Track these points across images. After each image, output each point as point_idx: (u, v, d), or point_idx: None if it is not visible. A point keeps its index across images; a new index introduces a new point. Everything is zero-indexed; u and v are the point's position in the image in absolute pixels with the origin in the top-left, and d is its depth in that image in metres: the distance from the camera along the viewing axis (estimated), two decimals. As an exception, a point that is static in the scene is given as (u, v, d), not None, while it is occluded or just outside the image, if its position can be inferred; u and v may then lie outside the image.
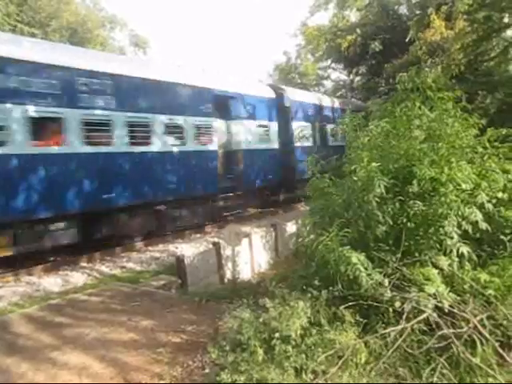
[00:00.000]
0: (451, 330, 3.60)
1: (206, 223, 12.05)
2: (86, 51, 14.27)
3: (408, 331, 3.64)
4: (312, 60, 33.76)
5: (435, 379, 3.36)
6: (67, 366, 4.04)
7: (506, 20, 14.68)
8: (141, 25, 75.35)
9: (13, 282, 7.51)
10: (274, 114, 15.13)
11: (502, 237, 4.49)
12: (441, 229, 4.12)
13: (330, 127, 17.98)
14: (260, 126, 14.32)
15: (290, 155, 15.55)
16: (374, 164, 4.39)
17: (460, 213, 4.08)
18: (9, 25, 23.00)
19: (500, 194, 4.60)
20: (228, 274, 8.32)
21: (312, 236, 4.88)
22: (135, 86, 9.96)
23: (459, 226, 4.12)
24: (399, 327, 3.67)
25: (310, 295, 3.90)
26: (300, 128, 15.78)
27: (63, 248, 8.85)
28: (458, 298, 3.86)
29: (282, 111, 15.44)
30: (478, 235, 4.38)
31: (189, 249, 9.58)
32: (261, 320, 3.66)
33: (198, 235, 11.21)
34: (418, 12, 20.32)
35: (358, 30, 23.93)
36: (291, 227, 10.84)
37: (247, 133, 13.60)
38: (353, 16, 25.80)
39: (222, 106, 12.71)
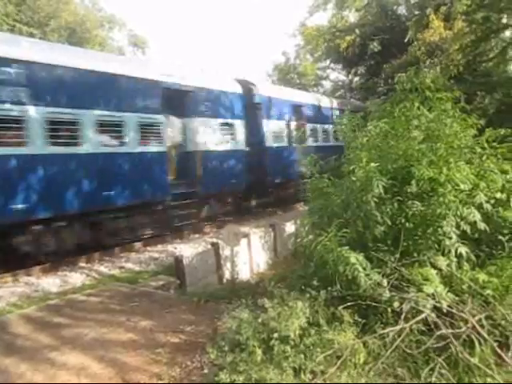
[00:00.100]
0: (450, 330, 3.61)
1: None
2: None
3: (406, 331, 3.65)
4: (311, 60, 33.89)
5: (434, 379, 3.37)
6: (66, 367, 4.04)
7: (504, 21, 14.77)
8: (140, 25, 75.51)
9: (11, 282, 7.49)
10: (240, 111, 13.55)
11: (500, 237, 4.51)
12: (439, 229, 4.13)
13: (309, 127, 16.88)
14: (223, 124, 12.74)
15: (261, 157, 14.24)
16: (372, 164, 4.41)
17: (458, 213, 4.10)
18: (7, 24, 22.98)
19: (498, 195, 4.62)
20: (227, 275, 8.32)
21: (311, 236, 4.90)
22: (58, 77, 8.44)
23: (458, 226, 4.14)
24: (398, 327, 3.67)
25: (308, 295, 3.91)
26: (273, 127, 14.67)
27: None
28: (457, 298, 3.87)
29: (251, 108, 13.96)
30: (476, 235, 4.39)
31: (187, 249, 9.57)
32: (259, 320, 3.66)
33: (197, 235, 11.21)
34: (416, 12, 20.34)
35: (357, 31, 23.94)
36: (290, 227, 10.85)
37: (207, 132, 12.00)
38: (352, 16, 25.81)
39: (176, 101, 11.14)
